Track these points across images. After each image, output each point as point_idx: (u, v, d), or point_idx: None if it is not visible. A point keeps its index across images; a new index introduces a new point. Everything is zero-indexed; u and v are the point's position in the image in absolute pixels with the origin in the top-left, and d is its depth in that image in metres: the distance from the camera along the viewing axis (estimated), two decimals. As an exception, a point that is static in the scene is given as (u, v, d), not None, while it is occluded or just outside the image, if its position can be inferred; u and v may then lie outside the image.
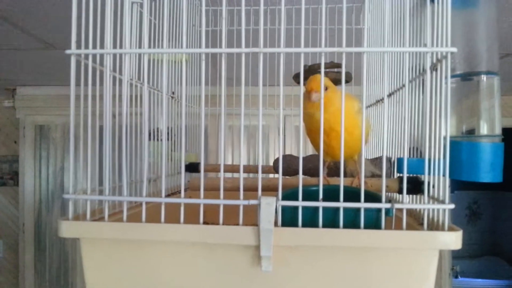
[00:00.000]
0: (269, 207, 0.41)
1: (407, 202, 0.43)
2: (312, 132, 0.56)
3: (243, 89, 0.44)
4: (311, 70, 0.73)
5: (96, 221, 0.46)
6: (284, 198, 0.42)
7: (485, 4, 0.49)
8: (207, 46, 0.45)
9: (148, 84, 0.50)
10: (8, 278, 2.25)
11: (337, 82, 0.64)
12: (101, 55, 0.46)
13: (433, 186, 0.44)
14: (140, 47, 0.56)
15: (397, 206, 0.41)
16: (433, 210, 0.43)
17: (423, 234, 0.40)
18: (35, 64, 1.64)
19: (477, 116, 0.49)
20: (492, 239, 3.57)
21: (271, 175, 0.87)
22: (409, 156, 0.54)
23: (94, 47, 0.46)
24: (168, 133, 0.74)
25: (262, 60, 0.42)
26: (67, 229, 0.44)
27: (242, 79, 0.43)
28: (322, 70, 0.44)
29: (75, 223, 0.44)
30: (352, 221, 0.42)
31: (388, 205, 0.41)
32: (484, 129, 0.49)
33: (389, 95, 0.63)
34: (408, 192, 0.49)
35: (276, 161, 0.75)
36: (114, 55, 0.47)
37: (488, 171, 0.46)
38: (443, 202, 0.42)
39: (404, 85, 0.43)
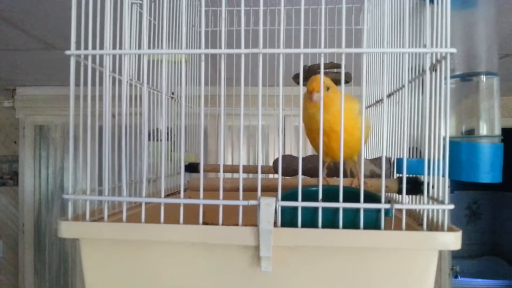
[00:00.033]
0: (269, 207, 0.41)
1: (406, 202, 0.43)
2: (312, 132, 0.56)
3: (243, 89, 0.44)
4: (311, 71, 0.73)
5: (95, 221, 0.46)
6: (284, 198, 0.42)
7: (485, 5, 0.49)
8: (206, 47, 0.45)
9: (147, 85, 0.50)
10: (8, 278, 2.25)
11: (337, 82, 0.64)
12: (101, 56, 0.46)
13: (433, 187, 0.44)
14: (139, 47, 0.56)
15: (396, 206, 0.41)
16: (433, 210, 0.43)
17: (422, 235, 0.40)
18: (35, 64, 1.64)
19: (476, 117, 0.49)
20: (492, 239, 3.57)
21: (270, 176, 0.87)
22: (409, 156, 0.54)
23: (94, 47, 0.46)
24: (167, 134, 0.74)
25: (262, 60, 0.42)
26: (67, 229, 0.44)
27: (242, 80, 0.44)
28: (322, 70, 0.44)
29: (74, 223, 0.44)
30: (351, 222, 0.42)
31: (387, 206, 0.41)
32: (483, 130, 0.49)
33: (389, 96, 0.63)
34: (408, 193, 0.49)
35: (276, 162, 0.75)
36: (114, 56, 0.47)
37: (487, 171, 0.46)
38: (442, 202, 0.42)
39: (403, 86, 0.43)
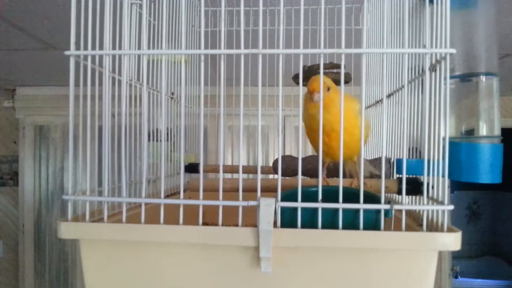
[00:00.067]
0: (268, 208, 0.41)
1: (406, 203, 0.43)
2: (313, 133, 0.56)
3: (242, 90, 0.44)
4: (311, 71, 0.73)
5: (95, 222, 0.46)
6: (284, 199, 0.42)
7: (484, 5, 0.49)
8: (206, 47, 0.45)
9: (147, 85, 0.50)
10: (8, 279, 2.25)
11: (337, 82, 0.64)
12: (100, 56, 0.46)
13: (433, 187, 0.44)
14: (139, 48, 0.56)
15: (396, 207, 0.41)
16: (432, 211, 0.43)
17: (422, 235, 0.40)
18: (34, 64, 1.64)
19: (476, 117, 0.49)
20: (492, 240, 3.57)
21: (270, 176, 0.87)
22: (409, 156, 0.54)
23: (93, 48, 0.45)
24: (167, 134, 0.74)
25: (262, 61, 0.42)
26: (67, 230, 0.44)
27: (241, 80, 0.44)
28: (321, 71, 0.44)
29: (74, 224, 0.44)
30: (351, 222, 0.42)
31: (387, 206, 0.41)
32: (483, 130, 0.49)
33: (389, 96, 0.63)
34: (407, 193, 0.49)
35: (276, 162, 0.75)
36: (113, 56, 0.47)
37: (487, 172, 0.46)
38: (442, 203, 0.42)
39: (403, 86, 0.43)
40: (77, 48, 0.45)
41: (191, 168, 0.85)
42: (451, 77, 0.49)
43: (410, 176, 0.50)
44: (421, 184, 0.46)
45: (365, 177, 0.58)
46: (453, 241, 0.39)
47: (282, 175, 0.69)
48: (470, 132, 0.50)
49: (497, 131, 0.49)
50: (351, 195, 0.42)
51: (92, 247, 0.45)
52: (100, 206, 0.48)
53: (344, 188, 0.42)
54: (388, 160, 0.60)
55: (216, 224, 0.43)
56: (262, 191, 0.43)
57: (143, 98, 0.50)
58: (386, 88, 0.43)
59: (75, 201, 0.46)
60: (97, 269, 0.45)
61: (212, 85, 0.64)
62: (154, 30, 0.62)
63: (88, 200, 0.46)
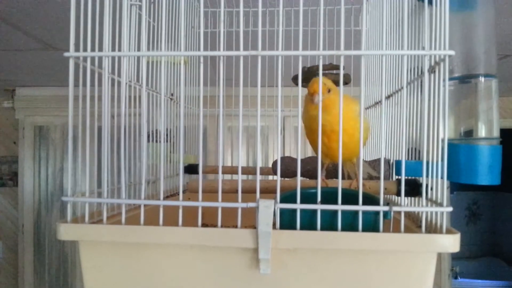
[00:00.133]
0: (267, 209, 0.41)
1: (405, 204, 0.43)
2: (313, 134, 0.56)
3: (242, 91, 0.44)
4: (310, 72, 0.73)
5: (94, 223, 0.46)
6: (283, 200, 0.42)
7: (483, 6, 0.49)
8: (206, 48, 0.45)
9: (146, 86, 0.50)
10: (8, 279, 2.25)
11: (336, 83, 0.64)
12: (100, 58, 0.46)
13: (432, 189, 0.44)
14: (139, 49, 0.56)
15: (395, 209, 0.41)
16: (431, 212, 0.43)
17: (421, 237, 0.40)
18: (34, 65, 1.64)
19: (475, 119, 0.49)
20: (491, 240, 3.57)
21: (270, 177, 0.87)
22: (408, 156, 0.54)
23: (93, 49, 0.46)
24: (167, 135, 0.74)
25: (261, 62, 0.42)
26: (66, 232, 0.44)
27: (241, 82, 0.43)
28: (320, 73, 0.44)
29: (73, 225, 0.44)
30: (350, 224, 0.42)
31: (386, 208, 0.41)
32: (482, 132, 0.49)
33: (388, 97, 0.63)
34: (406, 195, 0.49)
35: (275, 163, 0.75)
36: (113, 58, 0.47)
37: (486, 173, 0.46)
38: (441, 204, 0.42)
39: (402, 87, 0.43)
40: (77, 49, 0.45)
41: (191, 169, 0.85)
42: (450, 79, 0.49)
43: (409, 177, 0.50)
44: (420, 185, 0.46)
45: (364, 178, 0.58)
46: (452, 243, 0.39)
47: (282, 176, 0.69)
48: (469, 134, 0.50)
49: (496, 133, 0.49)
50: (350, 197, 0.42)
51: (92, 249, 0.45)
52: (99, 207, 0.48)
53: (343, 189, 0.42)
54: (387, 162, 0.60)
55: (216, 225, 0.43)
56: (261, 192, 0.43)
57: (142, 99, 0.50)
58: (385, 89, 0.43)
59: (75, 203, 0.46)
60: (96, 270, 0.45)
61: (211, 85, 0.64)
62: (153, 31, 0.62)
63: (87, 201, 0.46)
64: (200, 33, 0.46)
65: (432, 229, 0.42)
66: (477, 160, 0.46)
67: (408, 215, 0.52)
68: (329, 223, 0.42)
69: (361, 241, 0.40)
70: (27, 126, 2.18)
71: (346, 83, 0.75)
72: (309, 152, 0.74)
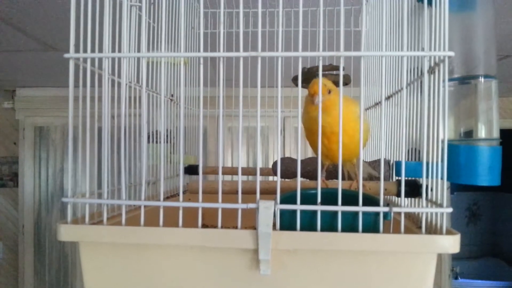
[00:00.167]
0: (268, 210, 0.41)
1: (405, 205, 0.43)
2: (313, 135, 0.56)
3: (241, 92, 0.44)
4: (310, 73, 0.73)
5: (94, 224, 0.46)
6: (283, 201, 0.42)
7: (483, 7, 0.49)
8: (206, 48, 0.45)
9: (146, 87, 0.50)
10: (8, 280, 2.25)
11: (336, 84, 0.65)
12: (100, 59, 0.46)
13: (432, 189, 0.44)
14: (139, 50, 0.56)
15: (395, 209, 0.41)
16: (432, 213, 0.43)
17: (421, 238, 0.40)
18: (34, 65, 1.64)
19: (475, 120, 0.49)
20: (491, 240, 3.57)
21: (270, 178, 0.87)
22: (408, 157, 0.54)
23: (93, 50, 0.46)
24: (167, 136, 0.74)
25: (261, 63, 0.42)
26: (66, 232, 0.44)
27: (241, 82, 0.44)
28: (320, 74, 0.44)
29: (74, 226, 0.44)
30: (350, 225, 0.42)
31: (386, 209, 0.41)
32: (482, 133, 0.49)
33: (388, 98, 0.63)
34: (406, 195, 0.49)
35: (275, 164, 0.75)
36: (113, 59, 0.47)
37: (486, 174, 0.46)
38: (441, 205, 0.42)
39: (402, 88, 0.43)
40: (77, 50, 0.45)
41: (191, 169, 0.85)
42: (450, 80, 0.49)
43: (409, 178, 0.50)
44: (420, 186, 0.46)
45: (364, 179, 0.58)
46: (452, 243, 0.39)
47: (282, 177, 0.69)
48: (469, 134, 0.50)
49: (496, 134, 0.49)
50: (350, 198, 0.42)
51: (92, 249, 0.45)
52: (99, 208, 0.48)
53: (343, 190, 0.42)
54: (387, 162, 0.60)
55: (216, 226, 0.43)
56: (261, 193, 0.43)
57: (142, 100, 0.50)
58: (385, 90, 0.44)
59: (75, 203, 0.46)
60: (97, 271, 0.45)
61: (211, 86, 0.64)
62: (153, 32, 0.62)
63: (87, 202, 0.46)
64: (200, 33, 0.46)
65: (432, 230, 0.42)
66: (477, 161, 0.46)
67: (408, 216, 0.52)
68: (329, 224, 0.42)
69: (361, 242, 0.40)
70: (27, 126, 2.19)
71: (346, 83, 0.75)
72: (309, 153, 0.74)
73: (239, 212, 0.43)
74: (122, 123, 0.50)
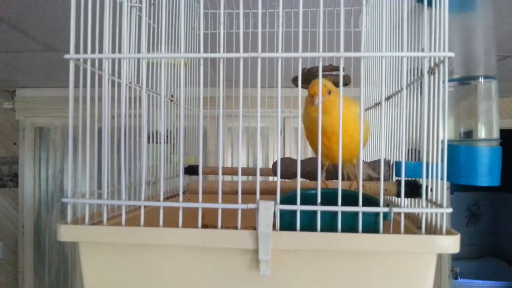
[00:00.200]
0: (267, 211, 0.41)
1: (405, 205, 0.43)
2: (314, 136, 0.56)
3: (241, 92, 0.44)
4: (310, 73, 0.73)
5: (94, 224, 0.46)
6: (283, 201, 0.42)
7: (483, 8, 0.49)
8: (206, 49, 0.45)
9: (146, 88, 0.50)
10: (8, 280, 2.25)
11: (336, 85, 0.65)
12: (100, 59, 0.46)
13: (431, 190, 0.44)
14: (139, 50, 0.56)
15: (395, 210, 0.41)
16: (431, 213, 0.43)
17: (421, 238, 0.40)
18: (34, 66, 1.64)
19: (475, 120, 0.49)
20: (491, 240, 3.57)
21: (270, 178, 0.87)
22: (408, 157, 0.54)
23: (93, 51, 0.46)
24: (167, 136, 0.74)
25: (261, 64, 0.42)
26: (66, 233, 0.44)
27: (241, 83, 0.44)
28: (320, 75, 0.44)
29: (73, 227, 0.44)
30: (350, 225, 0.42)
31: (386, 209, 0.41)
32: (482, 133, 0.49)
33: (387, 98, 0.63)
34: (406, 196, 0.49)
35: (275, 164, 0.75)
36: (113, 59, 0.47)
37: (486, 175, 0.46)
38: (441, 206, 0.42)
39: (402, 89, 0.44)
40: (77, 51, 0.45)
41: (191, 170, 0.85)
42: (450, 80, 0.49)
43: (409, 178, 0.50)
44: (420, 186, 0.46)
45: (364, 179, 0.58)
46: (451, 243, 0.39)
47: (282, 177, 0.69)
48: (469, 135, 0.50)
49: (495, 134, 0.49)
50: (350, 198, 0.42)
51: (92, 250, 0.45)
52: (99, 208, 0.48)
53: (343, 190, 0.42)
54: (387, 163, 0.60)
55: (216, 227, 0.43)
56: (261, 193, 0.43)
57: (142, 101, 0.50)
58: (385, 90, 0.44)
59: (75, 204, 0.46)
60: (97, 271, 0.45)
61: (211, 86, 0.64)
62: (153, 33, 0.62)
63: (87, 202, 0.46)
64: (200, 34, 0.46)
65: (432, 230, 0.42)
66: (477, 161, 0.46)
67: (408, 216, 0.52)
68: (329, 224, 0.42)
69: (361, 242, 0.40)
70: (27, 127, 2.18)
71: (346, 84, 0.76)
72: (309, 153, 0.74)
73: (239, 212, 0.43)
74: (122, 124, 0.50)
